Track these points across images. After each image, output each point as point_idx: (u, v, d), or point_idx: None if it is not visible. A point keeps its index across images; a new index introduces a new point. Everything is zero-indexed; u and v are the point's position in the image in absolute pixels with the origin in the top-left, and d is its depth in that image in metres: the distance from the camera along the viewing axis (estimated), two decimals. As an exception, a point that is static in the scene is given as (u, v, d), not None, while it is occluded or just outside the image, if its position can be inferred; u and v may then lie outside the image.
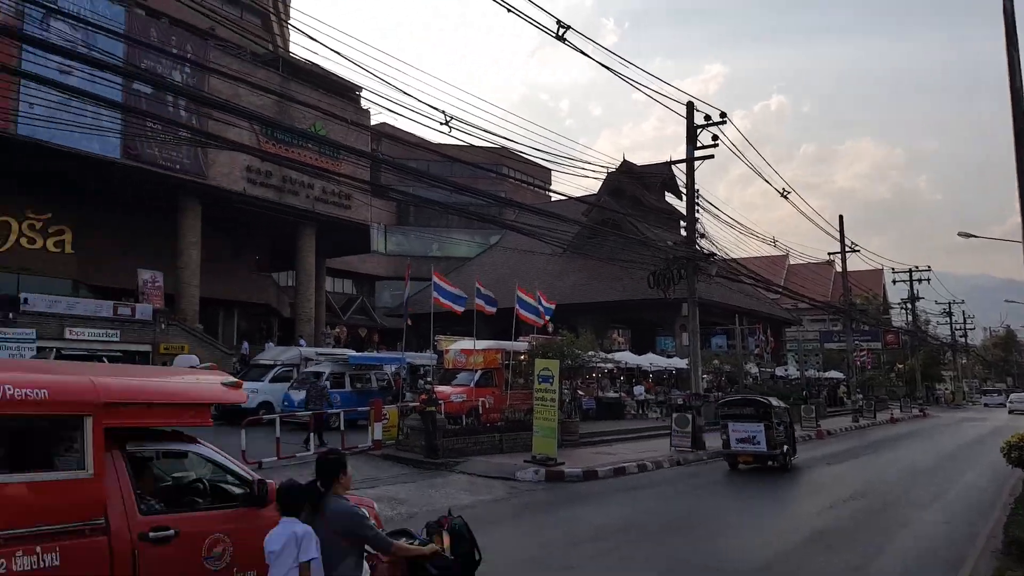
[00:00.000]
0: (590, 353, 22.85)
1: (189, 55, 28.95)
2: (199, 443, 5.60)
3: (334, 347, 32.60)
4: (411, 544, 4.82)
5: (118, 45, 24.14)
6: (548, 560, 8.80)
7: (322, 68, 20.23)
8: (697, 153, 21.40)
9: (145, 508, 4.90)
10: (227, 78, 25.31)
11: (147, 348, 25.77)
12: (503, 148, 19.72)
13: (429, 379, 22.21)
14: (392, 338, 43.05)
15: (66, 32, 20.33)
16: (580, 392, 25.67)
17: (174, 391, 5.55)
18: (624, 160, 37.59)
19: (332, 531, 4.41)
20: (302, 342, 32.35)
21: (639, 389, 30.49)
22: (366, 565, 4.76)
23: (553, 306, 23.46)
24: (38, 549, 4.27)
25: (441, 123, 13.47)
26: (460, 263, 46.08)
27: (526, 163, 38.49)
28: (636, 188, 37.33)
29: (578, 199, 27.73)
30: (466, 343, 23.24)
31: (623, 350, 33.96)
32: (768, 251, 31.92)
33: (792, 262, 60.88)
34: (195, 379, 6.33)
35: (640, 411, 29.44)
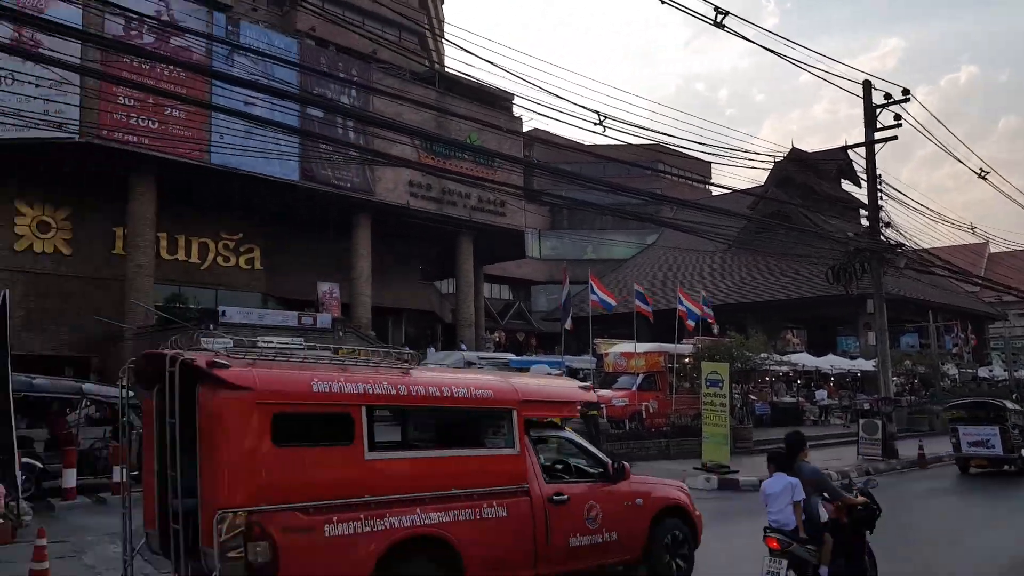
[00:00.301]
0: (762, 355, 21.43)
1: (355, 78, 30.77)
2: (567, 431, 7.32)
3: (494, 351, 33.21)
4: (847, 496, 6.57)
5: (292, 74, 26.15)
6: (743, 571, 8.22)
7: (476, 80, 20.73)
8: (877, 135, 19.55)
9: (546, 478, 6.47)
10: (389, 97, 26.60)
11: (327, 355, 27.50)
12: (658, 144, 19.02)
13: (589, 383, 21.83)
14: (549, 342, 43.22)
15: (248, 65, 22.25)
16: (752, 397, 24.18)
17: (554, 391, 7.25)
18: (793, 148, 35.10)
19: (807, 483, 6.28)
20: (463, 346, 33.32)
21: (821, 393, 28.20)
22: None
23: (700, 310, 22.18)
24: (495, 503, 5.94)
25: (595, 123, 13.14)
26: (616, 265, 45.35)
27: (684, 157, 37.18)
28: (807, 177, 34.74)
29: (742, 191, 26.24)
30: (626, 346, 22.63)
31: (799, 351, 31.66)
32: (965, 238, 28.45)
33: (993, 250, 54.16)
34: (563, 382, 8.32)
35: (822, 417, 27.23)
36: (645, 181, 42.46)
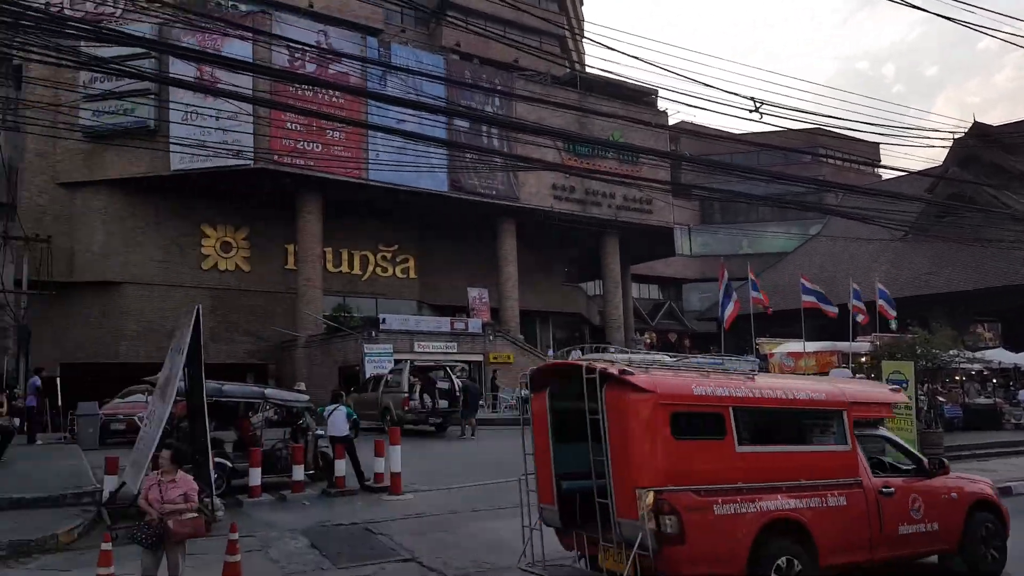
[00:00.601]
0: (951, 352, 19.24)
1: (498, 87, 31.32)
2: (881, 428, 7.65)
3: (645, 353, 32.44)
4: None
5: (440, 89, 27.04)
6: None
7: (617, 76, 20.19)
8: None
9: (872, 472, 7.02)
10: (531, 102, 26.78)
11: (479, 358, 28.21)
12: (819, 127, 17.65)
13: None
14: (704, 342, 41.62)
15: (400, 84, 23.24)
16: (940, 398, 21.80)
17: (872, 394, 7.79)
18: (975, 122, 31.51)
19: None
20: (612, 348, 32.80)
21: (1024, 394, 24.88)
22: None
23: (867, 300, 20.13)
24: (836, 493, 6.59)
25: (750, 111, 12.34)
26: (775, 259, 42.80)
27: (847, 140, 34.51)
28: (994, 153, 31.00)
29: (918, 173, 23.81)
30: (794, 345, 21.16)
31: (992, 347, 28.25)
32: None
33: None
34: (874, 385, 9.02)
35: (1028, 420, 24.00)
36: (805, 168, 39.85)
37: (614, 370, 6.09)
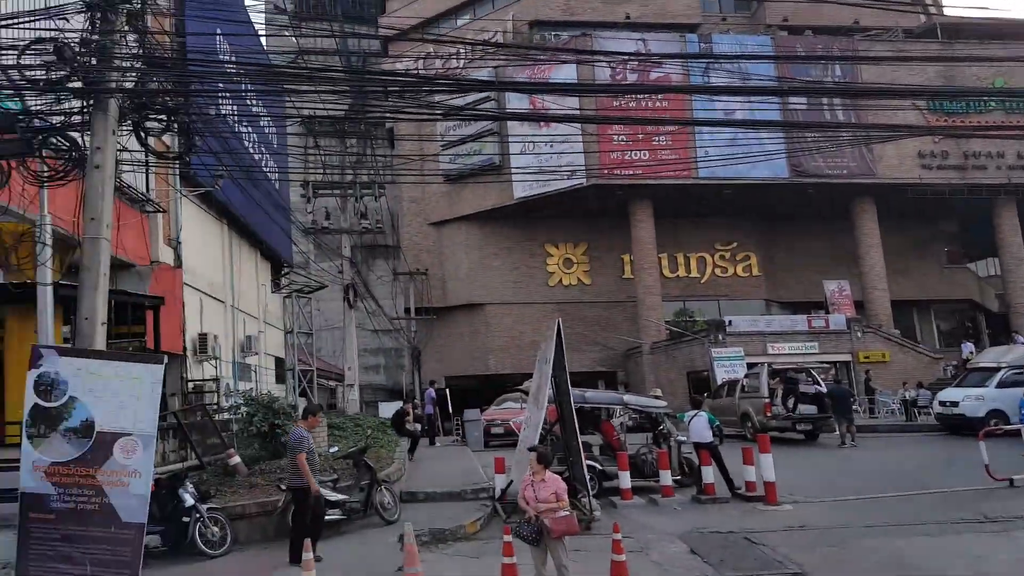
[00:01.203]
0: None
1: (836, 53, 28.27)
2: None
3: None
4: None
5: (770, 69, 25.22)
6: None
7: (990, 11, 16.47)
8: None
9: None
10: (880, 62, 23.54)
11: (847, 358, 25.42)
12: None
13: None
14: None
15: (725, 73, 22.17)
16: None
17: None
18: None
19: None
20: (1019, 339, 27.15)
21: None
22: None
23: None
24: None
25: None
26: None
27: None
28: None
29: None
30: None
31: None
32: None
33: None
34: None
35: None
36: None
37: None
